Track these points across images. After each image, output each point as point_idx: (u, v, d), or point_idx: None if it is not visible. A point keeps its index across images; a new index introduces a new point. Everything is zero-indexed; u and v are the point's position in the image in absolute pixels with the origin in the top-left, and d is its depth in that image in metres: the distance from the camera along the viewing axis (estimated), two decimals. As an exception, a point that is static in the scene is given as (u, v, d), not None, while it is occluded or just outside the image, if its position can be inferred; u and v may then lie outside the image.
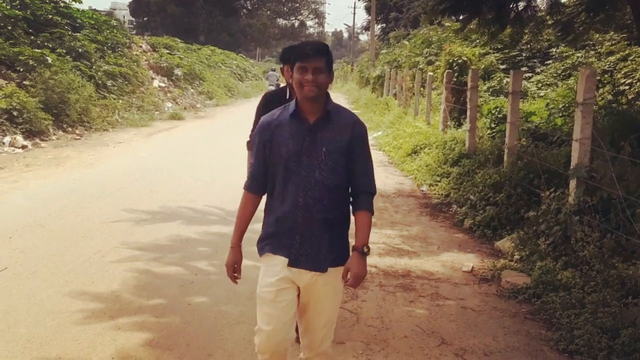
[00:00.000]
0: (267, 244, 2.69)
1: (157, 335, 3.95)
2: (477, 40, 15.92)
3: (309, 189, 2.57)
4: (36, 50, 15.28)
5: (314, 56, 2.53)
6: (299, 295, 2.69)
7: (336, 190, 2.62)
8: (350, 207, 2.73)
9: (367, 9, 47.95)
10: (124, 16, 65.06)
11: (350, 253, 2.66)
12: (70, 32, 18.30)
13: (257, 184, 2.73)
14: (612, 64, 11.49)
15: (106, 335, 3.91)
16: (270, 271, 2.66)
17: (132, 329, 4.03)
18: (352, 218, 2.74)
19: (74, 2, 20.01)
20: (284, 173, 2.60)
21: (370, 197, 2.70)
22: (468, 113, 9.72)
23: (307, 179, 2.57)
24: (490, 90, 12.86)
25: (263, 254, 2.70)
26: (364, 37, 75.03)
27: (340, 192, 2.65)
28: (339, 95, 34.48)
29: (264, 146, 2.66)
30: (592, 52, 13.36)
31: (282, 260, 2.63)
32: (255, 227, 2.81)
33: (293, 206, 2.59)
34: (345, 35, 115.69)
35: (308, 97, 2.55)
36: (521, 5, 9.07)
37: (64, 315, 4.19)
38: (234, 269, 2.77)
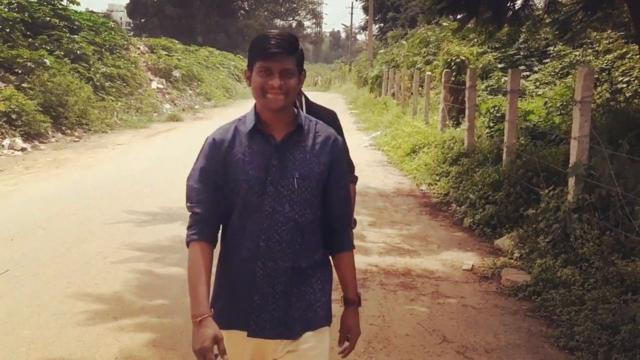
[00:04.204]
0: (220, 312, 1.97)
1: (160, 335, 3.97)
2: (475, 40, 15.96)
3: (274, 230, 1.94)
4: (34, 52, 15.29)
5: (281, 54, 1.90)
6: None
7: (311, 227, 2.01)
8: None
9: (365, 9, 48.02)
10: (121, 18, 65.14)
11: (324, 312, 2.06)
12: (68, 34, 18.32)
13: (207, 228, 1.99)
14: (609, 62, 11.53)
15: (109, 336, 3.94)
16: (229, 351, 1.95)
17: (135, 330, 4.05)
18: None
19: (71, 4, 20.03)
20: (241, 209, 1.96)
21: (350, 231, 2.17)
22: (466, 112, 9.75)
23: (273, 215, 1.93)
24: (489, 89, 12.89)
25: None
26: (361, 37, 75.11)
27: (316, 229, 2.04)
28: (337, 96, 34.56)
29: (215, 174, 1.98)
30: (590, 51, 13.39)
31: (240, 336, 1.98)
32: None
33: (251, 254, 1.95)
34: (343, 35, 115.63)
35: (273, 108, 1.93)
36: (518, 4, 9.12)
37: (67, 317, 4.21)
38: (214, 351, 1.89)
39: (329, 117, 3.14)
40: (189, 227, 2.00)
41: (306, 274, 2.01)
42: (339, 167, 2.06)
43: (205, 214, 1.98)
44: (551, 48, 14.88)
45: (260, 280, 1.95)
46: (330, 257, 2.14)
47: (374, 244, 6.20)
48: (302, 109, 3.00)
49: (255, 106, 2.02)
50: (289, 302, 1.97)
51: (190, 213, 2.01)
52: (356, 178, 3.11)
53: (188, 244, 1.99)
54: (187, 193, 2.02)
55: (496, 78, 13.41)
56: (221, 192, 1.98)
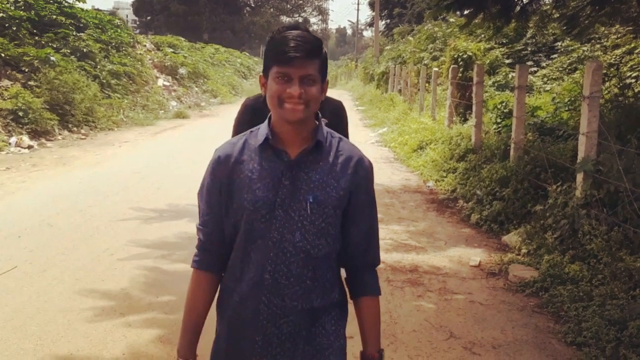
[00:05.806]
0: (218, 349, 1.83)
1: (167, 331, 3.98)
2: (482, 35, 15.88)
3: (281, 260, 1.69)
4: (41, 50, 15.34)
5: (303, 58, 1.62)
6: None
7: (326, 262, 1.74)
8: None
9: (371, 5, 47.90)
10: (127, 15, 65.30)
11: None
12: (74, 32, 18.35)
13: (212, 256, 1.80)
14: (618, 57, 11.44)
15: (117, 332, 3.95)
16: None
17: (143, 326, 4.06)
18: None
19: (77, 2, 20.06)
20: (245, 234, 1.71)
21: (376, 272, 1.87)
22: (474, 108, 9.71)
23: (280, 244, 1.68)
24: (496, 85, 12.85)
25: None
26: (368, 34, 75.03)
27: (332, 264, 1.78)
28: (343, 93, 34.50)
29: (219, 194, 1.75)
30: (598, 46, 13.31)
31: None
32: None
33: (254, 286, 1.71)
34: (349, 31, 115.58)
35: (291, 120, 1.66)
36: (526, -1, 9.06)
37: (74, 313, 4.22)
38: None
39: (334, 107, 3.01)
40: (196, 248, 1.84)
41: (319, 316, 1.75)
42: (362, 193, 1.77)
43: (207, 240, 1.79)
44: (559, 43, 14.81)
45: (264, 318, 1.71)
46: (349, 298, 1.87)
47: (381, 241, 6.13)
48: None
49: (269, 117, 1.75)
50: (295, 345, 1.73)
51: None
52: None
53: (192, 267, 1.84)
54: (198, 211, 1.84)
55: (503, 74, 13.37)
56: (226, 213, 1.75)
